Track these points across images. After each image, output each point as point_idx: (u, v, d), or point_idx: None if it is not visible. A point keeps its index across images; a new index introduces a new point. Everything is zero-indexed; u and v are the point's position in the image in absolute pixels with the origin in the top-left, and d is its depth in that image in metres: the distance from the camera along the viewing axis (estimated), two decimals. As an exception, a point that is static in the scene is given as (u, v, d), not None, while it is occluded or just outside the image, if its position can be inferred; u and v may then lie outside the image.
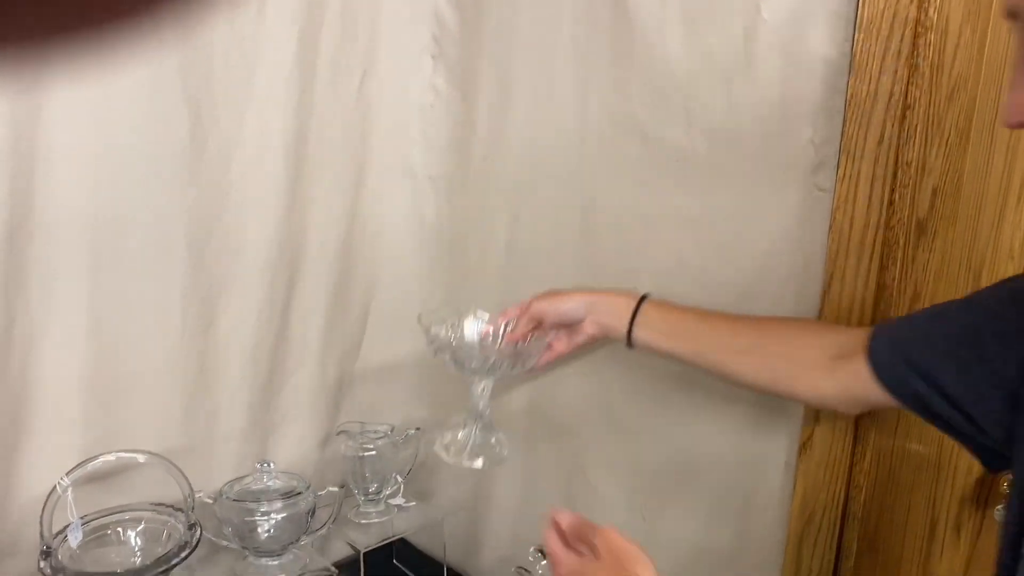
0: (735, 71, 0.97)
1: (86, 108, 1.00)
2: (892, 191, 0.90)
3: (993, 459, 0.76)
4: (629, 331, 0.98)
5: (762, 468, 1.07)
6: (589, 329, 1.02)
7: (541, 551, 1.12)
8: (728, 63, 0.98)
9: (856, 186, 0.91)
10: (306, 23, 1.17)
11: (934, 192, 0.91)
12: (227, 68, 1.11)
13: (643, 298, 0.99)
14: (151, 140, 1.07)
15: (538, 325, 1.05)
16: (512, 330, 1.06)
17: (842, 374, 0.84)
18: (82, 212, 1.03)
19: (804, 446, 1.01)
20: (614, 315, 0.99)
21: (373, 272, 1.37)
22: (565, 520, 0.78)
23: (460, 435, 1.05)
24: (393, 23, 1.28)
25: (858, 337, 0.83)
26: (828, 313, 0.95)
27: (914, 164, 0.89)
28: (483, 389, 1.04)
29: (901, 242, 0.91)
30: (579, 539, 0.77)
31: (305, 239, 1.26)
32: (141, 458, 1.05)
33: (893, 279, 0.92)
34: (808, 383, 0.88)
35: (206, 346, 1.18)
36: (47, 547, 0.99)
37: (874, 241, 0.92)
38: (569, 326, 1.04)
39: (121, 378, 1.11)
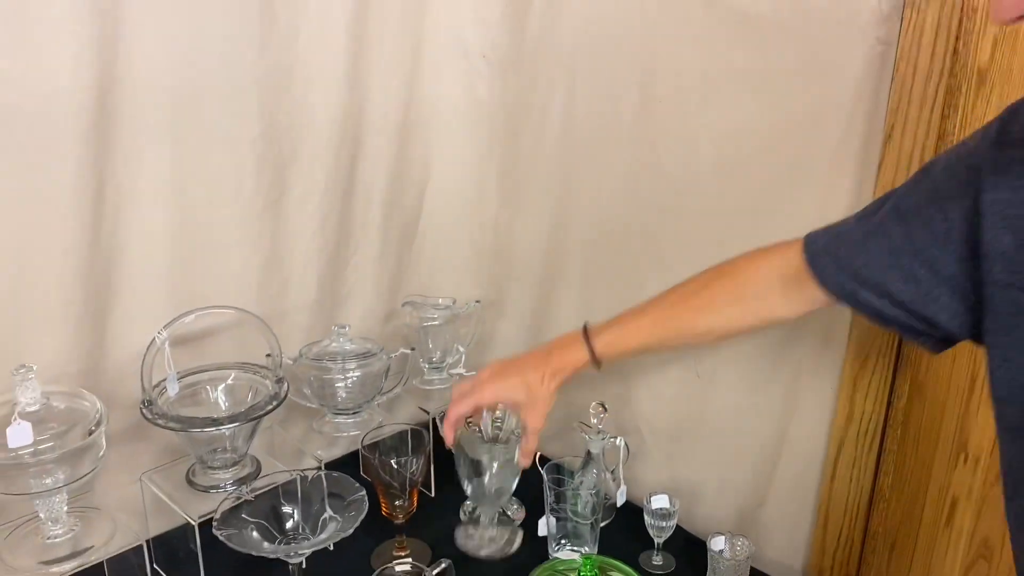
0: None
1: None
2: (956, 39, 0.93)
3: (942, 346, 0.80)
4: (592, 355, 1.01)
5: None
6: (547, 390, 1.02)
7: (602, 405, 1.19)
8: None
9: (920, 36, 0.94)
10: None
11: (994, 42, 0.94)
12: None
13: (584, 328, 1.04)
14: (226, 10, 1.10)
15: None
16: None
17: (796, 296, 0.89)
18: (164, 80, 1.06)
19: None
20: (565, 354, 1.02)
21: (429, 152, 1.41)
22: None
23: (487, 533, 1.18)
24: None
25: (794, 256, 0.87)
26: (888, 162, 0.99)
27: (980, 11, 0.92)
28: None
29: (963, 89, 0.95)
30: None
31: (365, 116, 1.29)
32: (232, 314, 1.11)
33: (954, 127, 0.96)
34: (766, 314, 0.94)
35: (278, 217, 1.23)
36: (148, 398, 1.05)
37: (936, 90, 0.95)
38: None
39: (203, 244, 1.16)
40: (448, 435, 1.04)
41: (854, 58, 0.99)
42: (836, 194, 1.04)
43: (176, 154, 1.11)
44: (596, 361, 1.02)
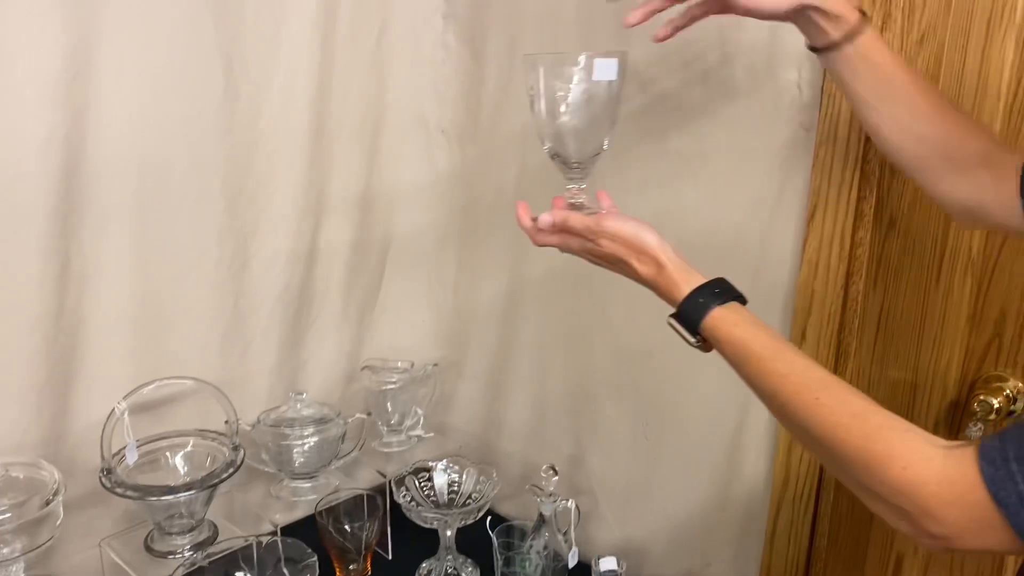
0: (727, 21, 1.06)
1: (131, 56, 1.08)
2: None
3: None
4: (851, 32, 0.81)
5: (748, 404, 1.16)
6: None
7: (553, 468, 1.23)
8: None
9: (836, 125, 1.01)
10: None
11: (907, 129, 1.01)
12: (256, 21, 1.20)
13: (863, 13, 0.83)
14: (190, 89, 1.16)
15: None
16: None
17: (987, 185, 0.80)
18: (130, 161, 1.12)
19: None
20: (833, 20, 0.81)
21: (390, 219, 1.47)
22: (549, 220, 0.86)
23: None
24: (406, -15, 1.37)
25: (1009, 158, 0.80)
26: (811, 239, 1.05)
27: (889, 102, 0.99)
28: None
29: (877, 174, 1.01)
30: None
31: (328, 187, 1.35)
32: (190, 383, 1.15)
33: (870, 208, 1.02)
34: (951, 182, 0.83)
35: (240, 287, 1.28)
36: (107, 466, 1.09)
37: (852, 174, 1.01)
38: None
39: (165, 315, 1.21)
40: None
41: (779, 141, 1.06)
42: (769, 271, 1.10)
43: (140, 230, 1.15)
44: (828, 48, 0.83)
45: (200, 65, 1.15)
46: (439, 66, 1.42)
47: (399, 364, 1.39)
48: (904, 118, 0.83)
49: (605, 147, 0.89)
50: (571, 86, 0.85)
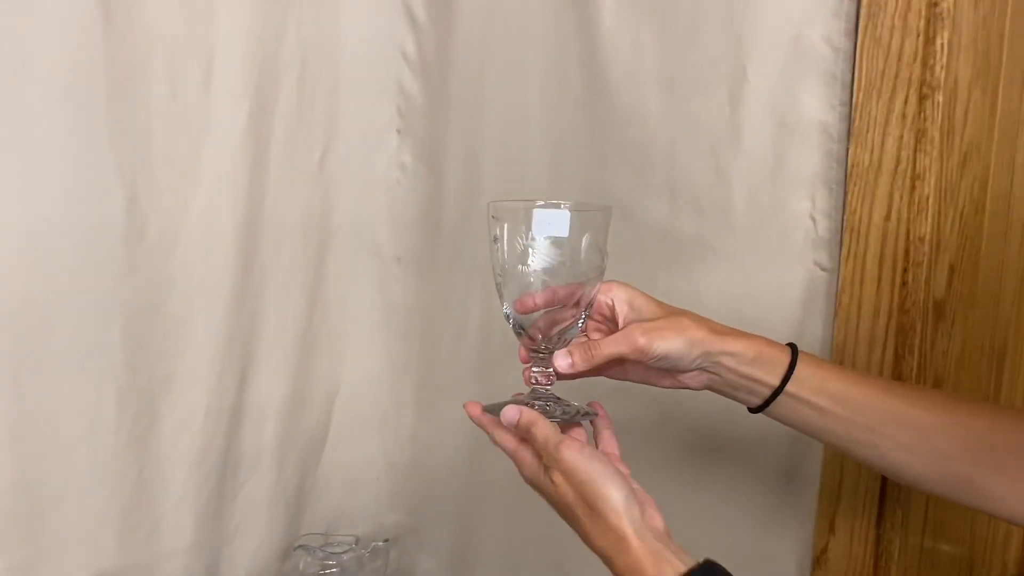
0: (722, 139, 0.89)
1: (5, 184, 0.90)
2: (904, 271, 0.80)
3: None
4: (778, 389, 0.66)
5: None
6: (694, 381, 0.70)
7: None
8: (714, 130, 0.89)
9: (863, 266, 0.81)
10: (258, 95, 1.09)
11: (951, 269, 0.81)
12: (168, 143, 1.02)
13: (795, 349, 0.68)
14: (80, 221, 0.97)
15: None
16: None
17: None
18: (2, 301, 0.92)
19: (818, 560, 0.88)
20: (758, 364, 0.67)
21: (337, 363, 1.26)
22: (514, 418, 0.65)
23: None
24: (355, 96, 1.21)
25: None
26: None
27: (927, 239, 0.79)
28: None
29: (918, 328, 0.81)
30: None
31: (259, 330, 1.15)
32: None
33: (911, 369, 0.81)
34: (1003, 490, 0.63)
35: (146, 452, 1.06)
36: None
37: (887, 328, 0.81)
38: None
39: (48, 492, 0.99)
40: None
41: (790, 286, 0.86)
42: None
43: (16, 388, 0.95)
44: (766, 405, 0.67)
45: (93, 193, 0.97)
46: (393, 187, 1.24)
47: (342, 540, 1.16)
48: (907, 441, 0.64)
49: (579, 327, 0.69)
50: (535, 241, 0.65)
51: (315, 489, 1.27)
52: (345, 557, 1.14)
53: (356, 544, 1.16)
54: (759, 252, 0.88)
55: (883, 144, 0.79)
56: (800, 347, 0.80)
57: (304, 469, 1.25)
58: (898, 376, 0.81)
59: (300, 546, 1.15)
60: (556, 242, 0.65)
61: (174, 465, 1.09)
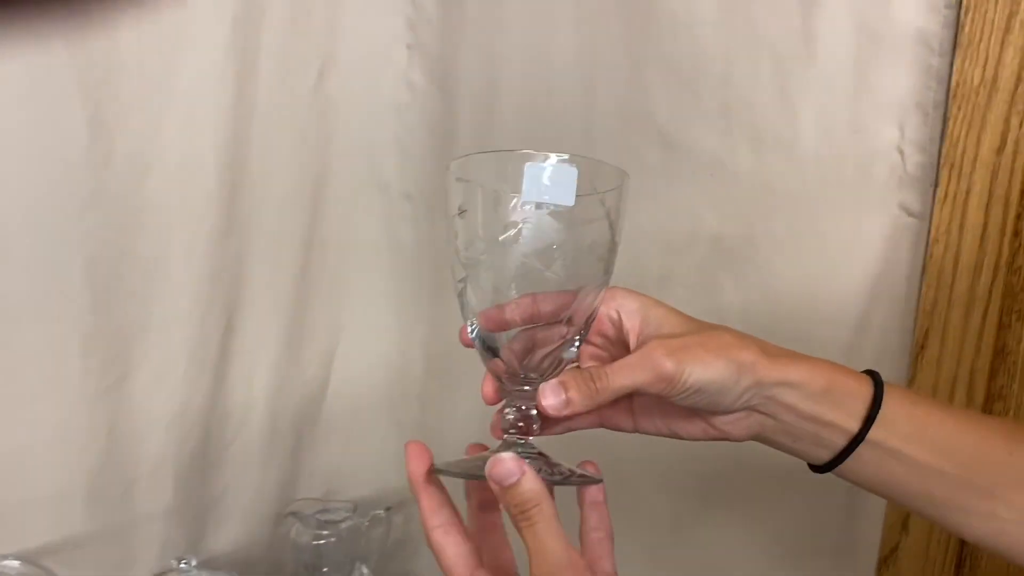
0: (790, 52, 0.74)
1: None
2: (1018, 217, 0.65)
3: None
4: (858, 436, 0.49)
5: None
6: (737, 427, 0.52)
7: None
8: (781, 42, 0.74)
9: (964, 210, 0.67)
10: (243, 6, 0.95)
11: (1075, 216, 0.66)
12: (138, 52, 0.89)
13: (877, 379, 0.52)
14: (35, 152, 0.85)
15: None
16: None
17: None
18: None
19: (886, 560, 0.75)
20: (829, 400, 0.50)
21: (337, 310, 1.15)
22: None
23: None
24: (358, 6, 1.07)
25: None
26: (922, 383, 0.70)
27: (1052, 178, 0.64)
28: None
29: (1032, 285, 0.66)
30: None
31: (247, 271, 1.03)
32: (15, 564, 0.82)
33: (1018, 341, 0.67)
34: None
35: (118, 406, 0.96)
36: None
37: (990, 288, 0.66)
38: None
39: (7, 451, 0.90)
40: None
41: (869, 235, 0.72)
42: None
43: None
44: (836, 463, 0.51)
45: (48, 111, 0.85)
46: (402, 111, 1.10)
47: (339, 507, 1.05)
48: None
49: (575, 350, 0.51)
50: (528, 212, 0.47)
51: (312, 449, 1.16)
52: (342, 526, 1.03)
53: (354, 511, 1.05)
54: (831, 192, 0.75)
55: (1000, 57, 0.64)
56: (878, 314, 0.65)
57: (299, 426, 1.14)
58: (1000, 351, 0.67)
59: (292, 512, 1.04)
60: (558, 215, 0.47)
61: (150, 421, 0.99)
